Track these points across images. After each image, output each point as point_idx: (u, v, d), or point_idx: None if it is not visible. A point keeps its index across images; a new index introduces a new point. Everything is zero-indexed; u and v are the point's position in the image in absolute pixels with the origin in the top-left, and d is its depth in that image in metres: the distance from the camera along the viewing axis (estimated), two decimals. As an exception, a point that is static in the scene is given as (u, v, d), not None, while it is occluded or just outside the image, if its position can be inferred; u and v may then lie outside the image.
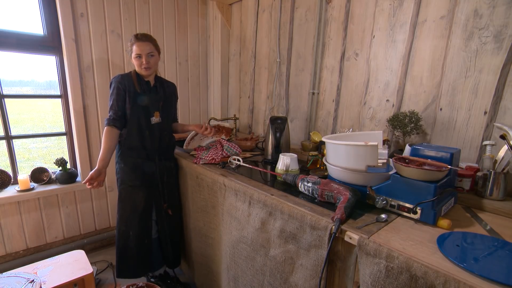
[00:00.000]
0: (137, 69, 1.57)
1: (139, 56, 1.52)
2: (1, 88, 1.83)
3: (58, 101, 2.10)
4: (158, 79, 1.68)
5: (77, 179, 2.16)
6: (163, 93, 1.67)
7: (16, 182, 1.98)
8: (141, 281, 1.77)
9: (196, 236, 1.69)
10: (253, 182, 1.30)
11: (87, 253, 1.62)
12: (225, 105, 2.71)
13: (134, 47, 1.51)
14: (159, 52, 1.60)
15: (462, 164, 1.20)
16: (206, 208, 1.56)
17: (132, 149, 1.60)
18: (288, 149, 1.66)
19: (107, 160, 1.51)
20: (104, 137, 1.52)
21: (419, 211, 0.91)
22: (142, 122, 1.58)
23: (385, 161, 1.09)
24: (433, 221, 0.90)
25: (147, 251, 1.71)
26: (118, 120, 1.53)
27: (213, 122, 2.31)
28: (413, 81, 1.44)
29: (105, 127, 1.52)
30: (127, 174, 1.61)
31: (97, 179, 1.49)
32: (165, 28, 2.39)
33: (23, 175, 1.94)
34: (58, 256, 1.54)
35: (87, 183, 1.46)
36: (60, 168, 2.07)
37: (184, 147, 1.93)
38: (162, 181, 1.70)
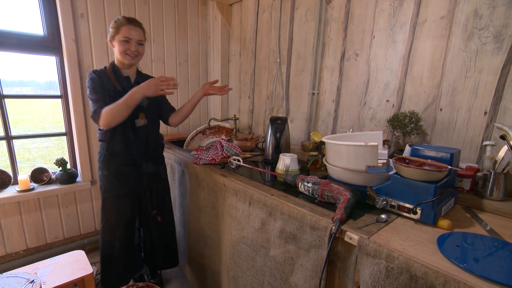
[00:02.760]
0: (119, 55, 1.36)
1: (127, 41, 1.33)
2: (1, 88, 1.84)
3: (58, 101, 2.10)
4: (139, 74, 1.50)
5: (77, 179, 2.16)
6: None
7: (16, 182, 1.98)
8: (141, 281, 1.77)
9: (196, 236, 1.69)
10: (253, 183, 1.30)
11: (87, 253, 1.62)
12: (225, 106, 2.71)
13: (123, 29, 1.32)
14: (145, 43, 1.43)
15: (462, 165, 1.20)
16: (206, 208, 1.56)
17: (116, 154, 1.44)
18: (288, 150, 1.66)
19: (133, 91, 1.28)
20: (109, 114, 1.27)
21: (419, 212, 0.91)
22: (126, 125, 1.41)
23: (385, 161, 1.09)
24: (433, 222, 0.89)
25: (132, 259, 1.63)
26: (108, 105, 1.32)
27: (213, 123, 2.31)
28: (413, 81, 1.44)
29: (100, 115, 1.29)
30: (111, 182, 1.47)
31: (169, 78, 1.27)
32: (165, 28, 2.39)
33: (23, 175, 1.94)
34: (58, 256, 1.54)
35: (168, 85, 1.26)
36: (60, 168, 2.07)
37: (184, 147, 1.93)
38: (150, 188, 1.58)
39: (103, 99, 1.32)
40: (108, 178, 1.47)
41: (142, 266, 1.80)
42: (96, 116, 1.32)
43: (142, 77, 1.50)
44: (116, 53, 1.38)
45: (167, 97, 1.67)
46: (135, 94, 1.28)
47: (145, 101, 1.46)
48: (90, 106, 1.35)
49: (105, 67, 1.40)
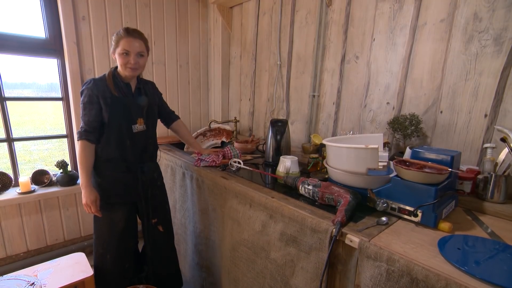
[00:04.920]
0: (120, 67, 1.36)
1: (126, 53, 1.30)
2: (3, 90, 1.84)
3: (60, 103, 2.10)
4: (140, 80, 1.48)
5: (77, 182, 2.16)
6: (146, 96, 1.47)
7: (17, 184, 1.98)
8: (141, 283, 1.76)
9: (197, 238, 1.69)
10: (254, 185, 1.30)
11: (87, 255, 1.62)
12: (225, 108, 2.71)
13: (122, 42, 1.30)
14: (148, 54, 1.41)
15: (463, 167, 1.20)
16: (206, 211, 1.56)
17: (110, 161, 1.39)
18: (288, 152, 1.66)
19: (89, 180, 1.35)
20: (79, 153, 1.32)
21: (419, 214, 0.91)
22: (123, 131, 1.37)
23: (385, 163, 1.09)
24: (434, 224, 0.89)
25: (127, 274, 1.54)
26: (92, 132, 1.32)
27: (213, 125, 2.31)
28: (413, 84, 1.44)
29: (79, 142, 1.32)
30: (103, 190, 1.40)
31: (94, 204, 1.35)
32: (166, 31, 2.40)
33: (24, 177, 1.94)
34: (58, 258, 1.54)
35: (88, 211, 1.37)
36: (61, 170, 2.07)
37: (184, 149, 1.93)
38: (146, 196, 1.51)
39: (88, 121, 1.32)
40: (101, 186, 1.40)
41: (139, 272, 1.73)
42: (78, 137, 1.33)
43: (142, 83, 1.49)
44: (118, 65, 1.37)
45: (166, 97, 1.68)
46: (81, 179, 1.35)
47: (145, 100, 1.44)
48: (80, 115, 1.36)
49: (104, 74, 1.38)
